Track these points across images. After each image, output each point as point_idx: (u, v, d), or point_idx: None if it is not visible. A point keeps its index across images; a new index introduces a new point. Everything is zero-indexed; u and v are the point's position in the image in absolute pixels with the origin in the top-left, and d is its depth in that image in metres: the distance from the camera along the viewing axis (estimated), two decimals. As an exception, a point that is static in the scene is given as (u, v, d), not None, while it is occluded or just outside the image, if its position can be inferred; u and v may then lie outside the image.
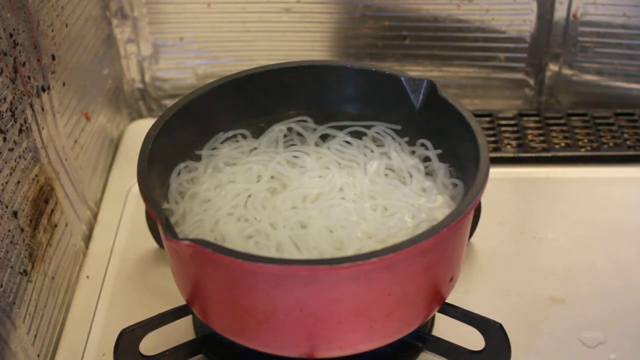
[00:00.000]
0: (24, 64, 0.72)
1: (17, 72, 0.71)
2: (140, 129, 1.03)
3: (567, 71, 1.04)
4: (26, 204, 0.72)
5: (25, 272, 0.70)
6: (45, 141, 0.77)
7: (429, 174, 0.72)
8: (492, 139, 0.98)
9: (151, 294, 0.79)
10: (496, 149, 0.97)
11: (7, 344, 0.65)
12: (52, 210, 0.78)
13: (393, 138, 0.75)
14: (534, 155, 0.96)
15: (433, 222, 0.65)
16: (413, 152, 0.74)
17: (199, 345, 0.71)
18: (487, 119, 1.02)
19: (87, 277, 0.82)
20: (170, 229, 0.58)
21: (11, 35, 0.70)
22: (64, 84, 0.83)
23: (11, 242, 0.68)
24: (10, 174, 0.69)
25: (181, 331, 0.73)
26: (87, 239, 0.88)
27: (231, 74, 0.75)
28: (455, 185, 0.70)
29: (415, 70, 1.05)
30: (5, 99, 0.68)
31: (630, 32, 0.99)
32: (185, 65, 1.07)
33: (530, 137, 0.99)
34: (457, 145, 0.69)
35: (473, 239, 0.83)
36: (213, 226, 0.66)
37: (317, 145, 0.75)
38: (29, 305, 0.70)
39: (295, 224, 0.66)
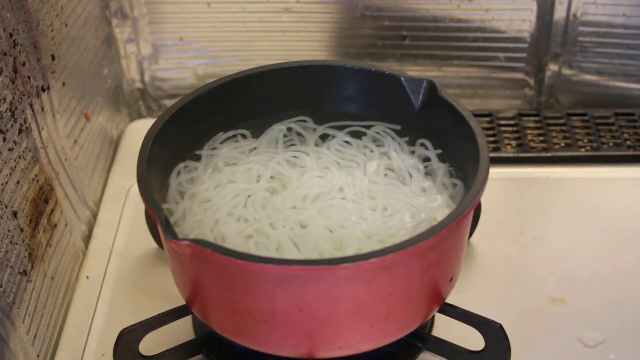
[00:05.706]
0: (24, 64, 0.72)
1: (17, 72, 0.71)
2: (140, 129, 1.03)
3: (567, 71, 1.04)
4: (26, 204, 0.72)
5: (25, 273, 0.70)
6: (45, 141, 0.77)
7: (429, 174, 0.72)
8: (492, 139, 0.98)
9: (151, 294, 0.79)
10: (496, 149, 0.97)
11: (7, 344, 0.65)
12: (52, 211, 0.78)
13: (393, 138, 0.75)
14: (534, 155, 0.96)
15: (433, 222, 0.65)
16: (413, 152, 0.74)
17: (199, 345, 0.71)
18: (487, 119, 1.02)
19: (87, 277, 0.82)
20: (170, 229, 0.58)
21: (11, 35, 0.70)
22: (64, 84, 0.83)
23: (11, 242, 0.68)
24: (10, 174, 0.69)
25: (181, 331, 0.73)
26: (87, 239, 0.87)
27: (231, 74, 0.75)
28: (455, 185, 0.70)
29: (415, 70, 1.05)
30: (5, 99, 0.68)
31: (630, 32, 0.99)
32: (185, 65, 1.07)
33: (530, 137, 0.99)
34: (457, 145, 0.69)
35: (473, 239, 0.83)
36: (213, 226, 0.66)
37: (317, 145, 0.75)
38: (29, 306, 0.70)
39: (295, 224, 0.66)
